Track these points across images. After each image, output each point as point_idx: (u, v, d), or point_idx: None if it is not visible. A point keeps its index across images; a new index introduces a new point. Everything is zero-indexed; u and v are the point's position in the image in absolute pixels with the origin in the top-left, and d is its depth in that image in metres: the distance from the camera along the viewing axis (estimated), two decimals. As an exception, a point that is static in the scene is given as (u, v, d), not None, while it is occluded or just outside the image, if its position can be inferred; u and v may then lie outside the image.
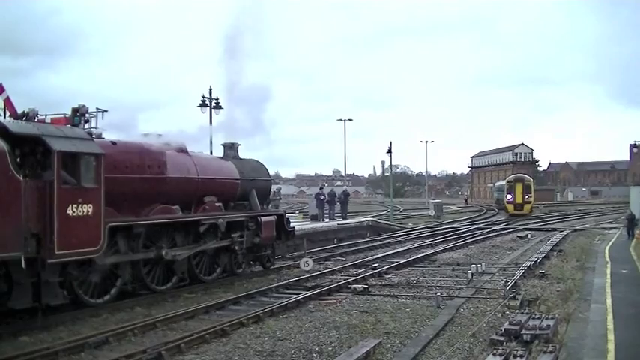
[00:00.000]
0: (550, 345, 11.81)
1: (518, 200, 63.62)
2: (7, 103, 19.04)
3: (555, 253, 28.60)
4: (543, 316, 14.05)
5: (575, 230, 42.65)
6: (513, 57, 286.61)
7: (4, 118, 19.34)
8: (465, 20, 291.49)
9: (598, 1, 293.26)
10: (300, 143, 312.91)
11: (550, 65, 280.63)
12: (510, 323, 13.33)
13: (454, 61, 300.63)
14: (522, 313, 14.85)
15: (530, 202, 64.39)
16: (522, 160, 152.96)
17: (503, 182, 72.48)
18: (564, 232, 40.04)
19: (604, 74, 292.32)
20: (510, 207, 63.98)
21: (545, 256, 26.61)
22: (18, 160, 13.74)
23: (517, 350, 11.55)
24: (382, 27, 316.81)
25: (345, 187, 51.84)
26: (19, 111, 17.05)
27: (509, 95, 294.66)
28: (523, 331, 12.71)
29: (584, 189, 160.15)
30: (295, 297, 17.60)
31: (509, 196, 64.10)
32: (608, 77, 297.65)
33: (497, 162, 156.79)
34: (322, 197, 43.58)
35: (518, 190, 63.89)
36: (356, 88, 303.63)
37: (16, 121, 15.69)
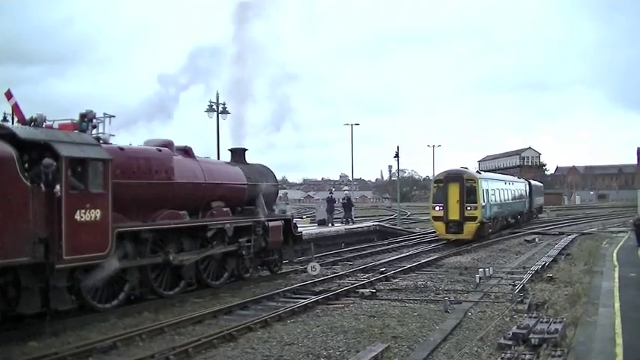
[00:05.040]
0: (558, 349, 11.79)
1: (453, 215, 35.93)
2: (16, 109, 19.08)
3: (563, 256, 28.57)
4: (551, 320, 14.00)
5: (583, 234, 42.54)
6: (514, 63, 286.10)
7: (13, 123, 19.40)
8: (466, 28, 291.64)
9: (596, 7, 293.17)
10: (307, 148, 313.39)
11: (550, 70, 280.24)
12: (518, 327, 13.31)
13: (457, 67, 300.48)
14: (530, 317, 14.79)
15: (475, 219, 35.87)
16: (530, 163, 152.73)
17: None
18: (572, 236, 39.95)
19: (604, 79, 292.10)
20: (440, 226, 36.89)
21: (553, 260, 26.59)
22: (26, 165, 13.78)
23: (525, 354, 11.54)
24: (384, 35, 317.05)
25: (345, 191, 51.59)
26: (27, 117, 17.08)
27: (512, 100, 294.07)
28: (531, 335, 12.66)
29: (591, 192, 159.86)
30: (303, 302, 17.59)
31: (437, 208, 36.67)
32: (608, 82, 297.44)
33: (505, 166, 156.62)
34: (334, 201, 43.84)
35: (452, 195, 36.13)
36: (362, 93, 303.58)
37: (24, 126, 15.73)
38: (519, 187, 51.59)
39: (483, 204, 36.45)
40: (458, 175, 36.95)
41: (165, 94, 19.04)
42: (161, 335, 13.96)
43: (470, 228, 35.71)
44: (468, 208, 35.70)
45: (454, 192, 36.00)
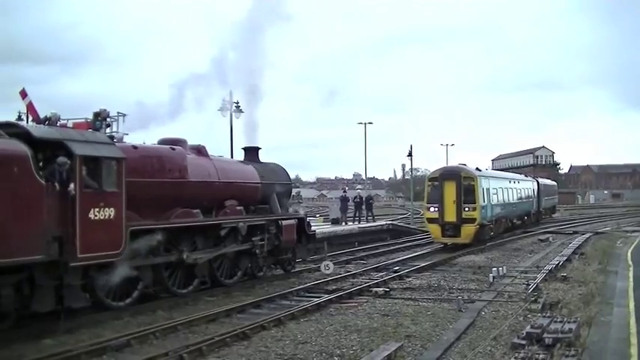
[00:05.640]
0: (572, 349, 11.72)
1: (449, 216, 32.44)
2: (30, 108, 19.19)
3: (577, 256, 28.43)
4: (565, 319, 13.92)
5: (597, 233, 42.27)
6: (525, 61, 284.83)
7: (27, 122, 19.49)
8: (475, 27, 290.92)
9: (607, 6, 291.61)
10: (320, 147, 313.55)
11: (563, 69, 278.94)
12: (532, 327, 13.24)
13: (468, 66, 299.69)
14: (544, 316, 14.72)
15: (474, 221, 32.40)
16: (543, 162, 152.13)
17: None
18: (586, 235, 39.66)
19: (617, 78, 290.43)
20: (435, 229, 33.33)
21: (566, 259, 26.45)
22: (40, 164, 13.83)
23: (539, 354, 11.48)
24: (394, 34, 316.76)
25: (358, 190, 51.60)
26: (42, 116, 17.15)
27: (524, 98, 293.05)
28: (545, 335, 12.59)
29: (605, 192, 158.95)
30: (316, 300, 17.59)
31: (432, 209, 33.13)
32: (621, 81, 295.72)
33: (518, 165, 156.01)
34: (347, 200, 43.94)
35: (449, 195, 32.63)
36: (375, 93, 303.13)
37: (38, 125, 15.79)
38: (526, 185, 48.47)
39: (483, 204, 33.18)
40: (454, 173, 33.45)
41: (179, 96, 19.10)
42: (175, 333, 13.98)
43: (468, 231, 32.33)
44: (466, 209, 32.20)
45: (450, 191, 32.54)
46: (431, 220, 33.45)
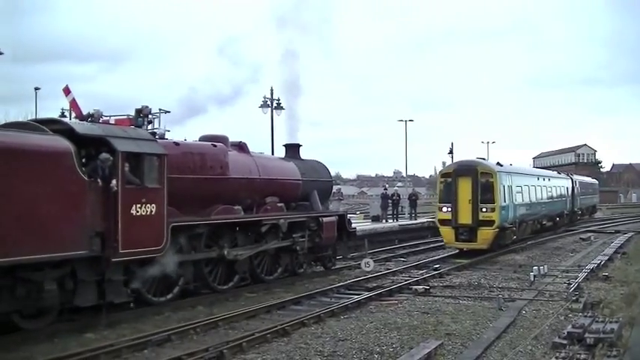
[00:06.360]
0: (614, 349, 11.52)
1: (464, 218, 28.09)
2: (73, 105, 19.46)
3: (619, 255, 28.08)
4: (607, 319, 13.69)
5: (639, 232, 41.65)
6: (565, 58, 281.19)
7: (70, 119, 19.73)
8: (516, 24, 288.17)
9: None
10: (361, 144, 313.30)
11: (604, 65, 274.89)
12: (573, 326, 13.03)
13: (506, 64, 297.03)
14: (585, 316, 14.49)
15: (492, 223, 27.99)
16: (585, 160, 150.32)
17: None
18: (628, 235, 39.06)
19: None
20: (447, 232, 28.99)
21: (608, 259, 26.09)
22: (83, 160, 13.98)
23: (580, 354, 11.30)
24: (435, 31, 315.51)
25: (396, 188, 51.32)
26: (84, 112, 17.35)
27: (565, 95, 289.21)
28: (586, 335, 12.39)
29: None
30: (356, 297, 17.54)
31: (444, 209, 28.86)
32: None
33: (559, 163, 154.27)
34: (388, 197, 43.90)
35: (463, 193, 28.24)
36: (415, 90, 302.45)
37: (81, 122, 15.99)
38: (558, 183, 43.97)
39: (503, 204, 28.69)
40: (470, 168, 28.82)
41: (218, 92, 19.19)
42: (215, 329, 14.03)
43: (485, 235, 27.87)
44: (483, 210, 27.79)
45: (465, 189, 28.12)
46: (443, 222, 29.11)
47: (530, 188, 34.40)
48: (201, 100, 18.66)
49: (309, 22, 20.99)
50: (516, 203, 30.98)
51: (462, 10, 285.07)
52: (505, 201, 29.06)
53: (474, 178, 28.08)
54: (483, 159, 31.76)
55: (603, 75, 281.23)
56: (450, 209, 28.33)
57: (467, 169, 28.71)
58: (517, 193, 31.37)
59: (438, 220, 29.77)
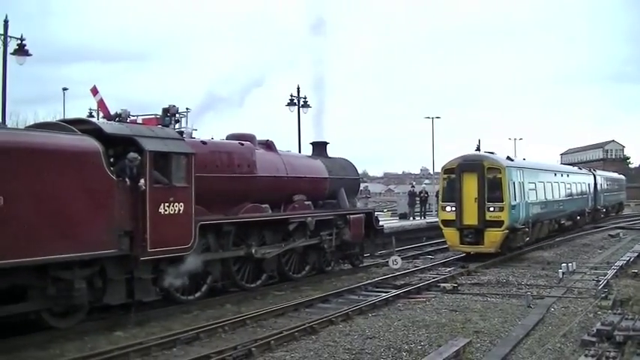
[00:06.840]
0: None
1: (469, 219, 25.56)
2: (101, 104, 19.61)
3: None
4: (637, 317, 13.57)
5: (669, 229, 41.16)
6: (592, 54, 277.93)
7: (98, 119, 19.87)
8: (544, 20, 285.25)
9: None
10: (388, 141, 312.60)
11: (631, 61, 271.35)
12: (602, 324, 12.92)
13: (536, 60, 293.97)
14: (615, 313, 14.38)
15: (501, 224, 25.37)
16: (613, 157, 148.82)
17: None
18: (658, 231, 38.65)
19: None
20: (451, 234, 26.35)
21: (637, 256, 25.75)
22: (111, 159, 14.08)
23: (609, 352, 11.21)
24: (463, 27, 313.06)
25: (423, 185, 50.91)
26: (112, 112, 17.46)
27: (593, 91, 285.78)
28: (616, 332, 12.28)
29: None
30: (384, 295, 17.51)
31: (448, 208, 26.29)
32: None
33: (587, 159, 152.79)
34: (415, 195, 43.76)
35: (468, 191, 25.73)
36: (442, 86, 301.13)
37: (109, 122, 16.09)
38: (579, 179, 40.78)
39: (514, 203, 26.05)
40: (476, 163, 26.04)
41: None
42: (243, 327, 14.07)
43: (493, 237, 25.32)
44: (491, 209, 25.25)
45: (470, 186, 25.56)
46: (446, 223, 26.50)
47: (545, 185, 31.69)
48: (225, 98, 18.66)
49: (338, 21, 21.00)
50: (529, 201, 28.43)
51: (492, 6, 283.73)
52: (515, 199, 26.47)
53: (480, 174, 25.54)
54: (492, 152, 28.56)
55: (630, 70, 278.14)
56: (453, 209, 25.95)
57: (472, 164, 26.04)
58: (530, 190, 28.83)
59: (441, 220, 27.02)
